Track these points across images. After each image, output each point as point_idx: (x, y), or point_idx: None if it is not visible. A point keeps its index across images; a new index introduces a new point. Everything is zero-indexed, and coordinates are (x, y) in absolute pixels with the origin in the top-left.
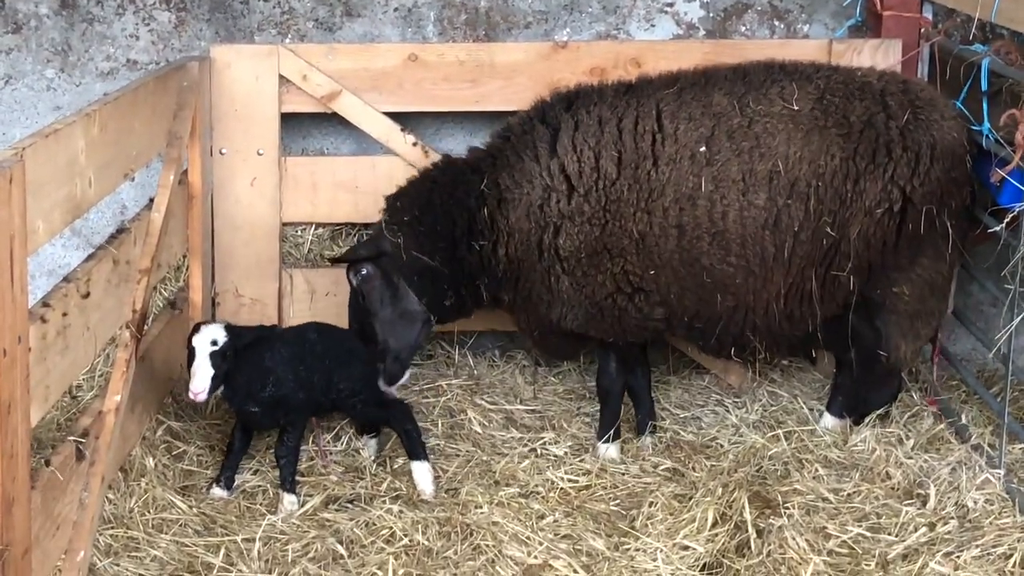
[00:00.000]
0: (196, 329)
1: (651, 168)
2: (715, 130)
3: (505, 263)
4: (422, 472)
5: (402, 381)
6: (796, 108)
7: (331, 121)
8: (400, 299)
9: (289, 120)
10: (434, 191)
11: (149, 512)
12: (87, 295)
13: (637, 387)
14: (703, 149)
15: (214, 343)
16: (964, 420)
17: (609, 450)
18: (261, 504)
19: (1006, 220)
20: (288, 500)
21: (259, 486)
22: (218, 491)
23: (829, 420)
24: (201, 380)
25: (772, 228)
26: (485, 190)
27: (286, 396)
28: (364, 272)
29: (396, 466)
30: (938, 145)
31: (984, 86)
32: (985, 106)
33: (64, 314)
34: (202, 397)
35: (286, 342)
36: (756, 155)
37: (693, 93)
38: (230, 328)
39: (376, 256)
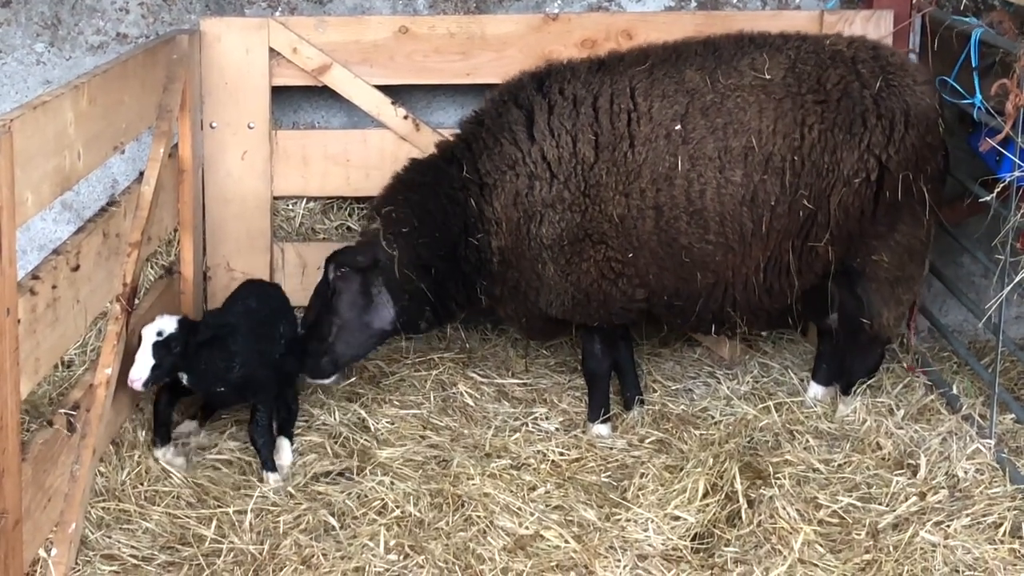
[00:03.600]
0: (149, 320)
1: (628, 149)
2: (689, 107)
3: (498, 256)
4: None
5: (325, 382)
6: (768, 78)
7: (322, 94)
8: (371, 310)
9: (280, 93)
10: (428, 196)
11: (141, 484)
12: (77, 268)
13: (621, 361)
14: (678, 127)
15: (159, 334)
16: (955, 391)
17: (600, 430)
18: (253, 476)
19: (996, 191)
20: (272, 478)
21: (251, 458)
22: (160, 452)
23: (816, 389)
24: (139, 369)
25: (749, 204)
26: (467, 177)
27: (254, 375)
28: (344, 271)
29: (384, 439)
30: (911, 111)
31: (975, 58)
32: (976, 78)
33: (54, 287)
34: (138, 385)
35: (242, 325)
36: (731, 131)
37: (665, 69)
38: (184, 322)
39: (370, 266)
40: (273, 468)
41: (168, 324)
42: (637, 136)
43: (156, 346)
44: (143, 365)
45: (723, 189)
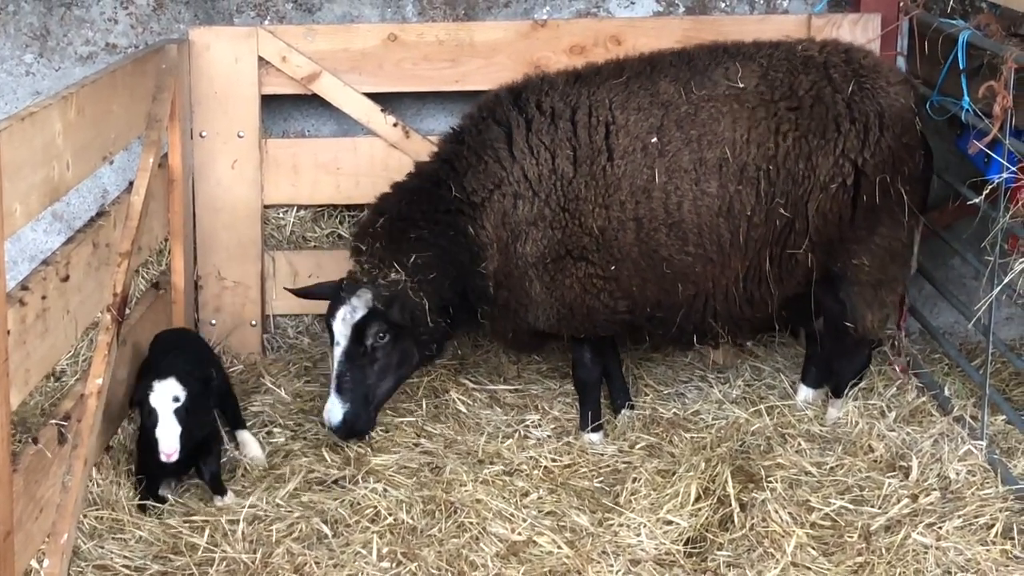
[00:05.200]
0: (148, 387)
1: (606, 162)
2: (664, 119)
3: (493, 279)
4: None
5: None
6: (741, 86)
7: (311, 103)
8: (404, 361)
9: (269, 102)
10: (439, 233)
11: (134, 494)
12: (67, 278)
13: (610, 369)
14: (654, 140)
15: (176, 399)
16: (947, 393)
17: (592, 438)
18: (244, 485)
19: (985, 192)
20: (229, 498)
21: (244, 468)
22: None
23: (806, 392)
24: (169, 441)
25: (726, 214)
26: (457, 196)
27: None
28: (385, 340)
29: (377, 446)
30: (886, 113)
31: (962, 60)
32: (964, 80)
33: (43, 297)
34: (174, 458)
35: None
36: (705, 143)
37: (640, 82)
38: (182, 378)
39: (409, 322)
40: (224, 491)
41: (176, 387)
42: (615, 149)
43: (178, 413)
44: (172, 436)
45: (699, 201)
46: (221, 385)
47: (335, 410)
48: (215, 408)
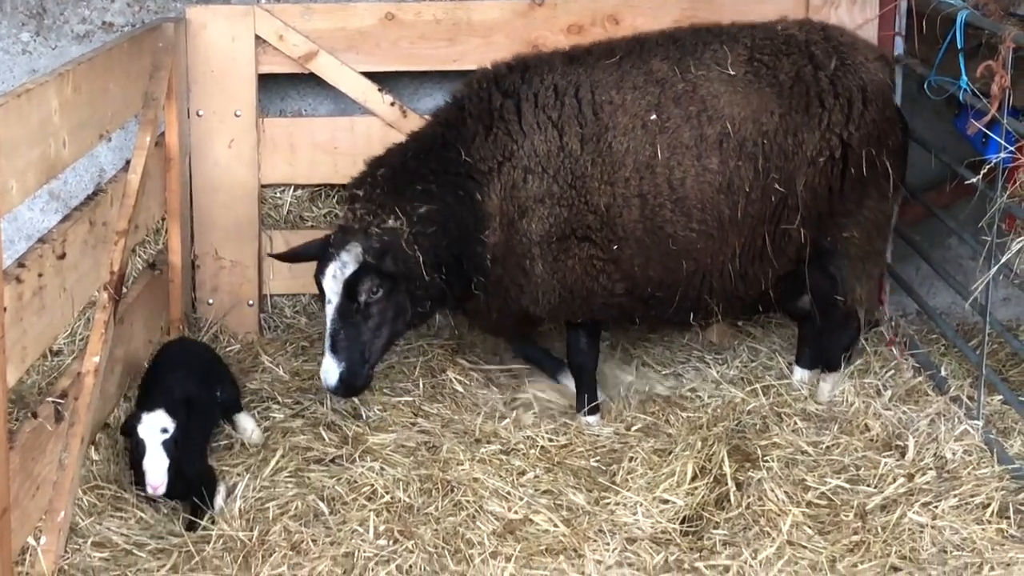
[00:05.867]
0: (136, 418)
1: (611, 140)
2: (661, 97)
3: (491, 253)
4: None
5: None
6: (730, 66)
7: (308, 82)
8: (398, 316)
9: (266, 81)
10: (446, 188)
11: (132, 473)
12: (63, 256)
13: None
14: (653, 117)
15: (164, 431)
16: (943, 373)
17: (589, 420)
18: (240, 462)
19: (983, 172)
20: (218, 505)
21: (241, 443)
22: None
23: (801, 373)
24: (156, 474)
25: (726, 190)
26: (467, 161)
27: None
28: (379, 295)
29: (374, 425)
30: (868, 87)
31: (960, 40)
32: (962, 60)
33: (40, 275)
34: (161, 491)
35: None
36: (704, 119)
37: (632, 61)
38: (171, 409)
39: (402, 275)
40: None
41: (164, 419)
42: (617, 127)
43: (166, 445)
44: (159, 469)
45: (701, 177)
46: (228, 398)
47: (331, 370)
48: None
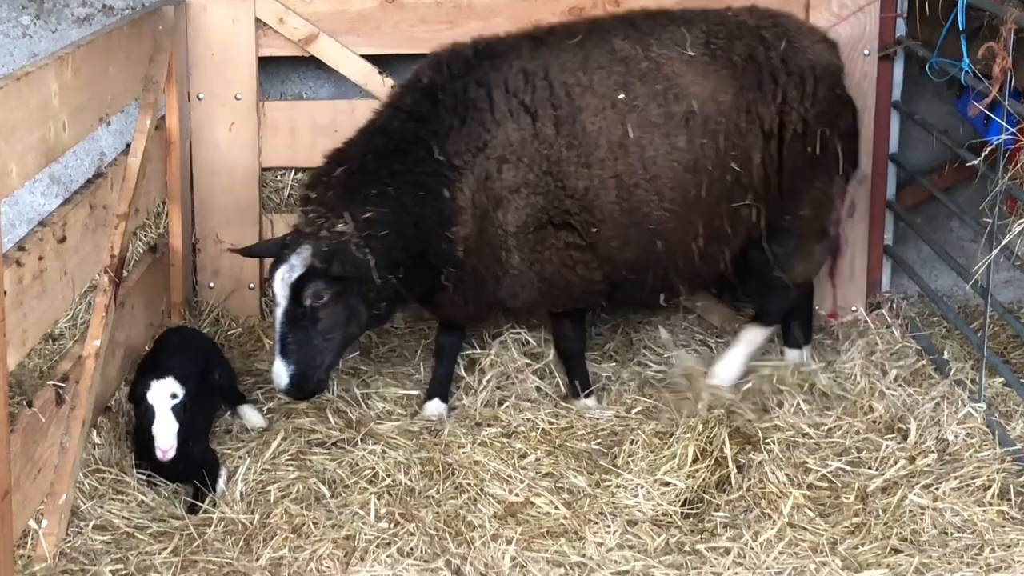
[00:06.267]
0: (145, 385)
1: (583, 121)
2: (627, 76)
3: (463, 245)
4: None
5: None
6: (692, 54)
7: (309, 65)
8: (350, 320)
9: (267, 64)
10: (404, 190)
11: (133, 456)
12: (63, 239)
13: (449, 347)
14: (621, 96)
15: (173, 396)
16: (945, 355)
17: (587, 403)
18: (242, 445)
19: (984, 154)
20: (219, 488)
21: (241, 426)
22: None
23: (791, 354)
24: (166, 438)
25: (692, 169)
26: (440, 160)
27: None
28: (325, 299)
29: (375, 408)
30: (817, 66)
31: (962, 21)
32: (963, 41)
33: (40, 258)
34: (171, 454)
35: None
36: (671, 96)
37: (594, 41)
38: (180, 376)
39: (352, 279)
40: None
41: (173, 385)
42: (588, 107)
43: (175, 409)
44: (169, 432)
45: (671, 155)
46: (225, 383)
47: (281, 373)
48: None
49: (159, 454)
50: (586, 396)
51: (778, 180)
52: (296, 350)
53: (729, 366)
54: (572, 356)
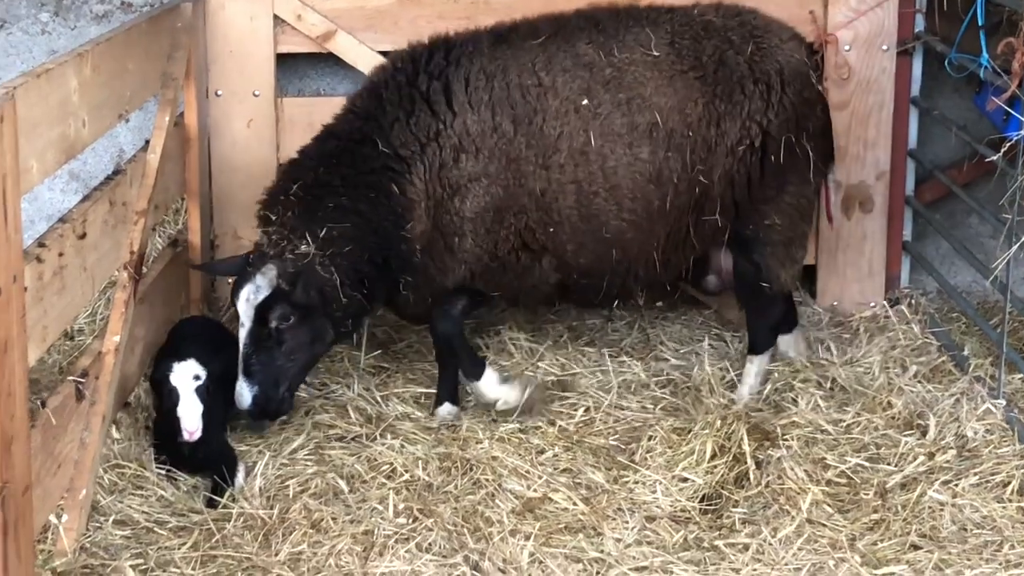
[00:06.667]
0: (167, 367)
1: (542, 123)
2: (591, 81)
3: (418, 243)
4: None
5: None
6: (656, 55)
7: (327, 61)
8: (316, 339)
9: (285, 61)
10: (358, 196)
11: (152, 451)
12: (83, 236)
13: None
14: (585, 101)
15: (197, 378)
16: (965, 352)
17: (482, 384)
18: (261, 440)
19: (1003, 150)
20: (238, 483)
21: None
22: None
23: (783, 339)
24: (192, 419)
25: (656, 181)
26: (384, 152)
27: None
28: (292, 321)
29: (393, 404)
30: (785, 70)
31: (981, 16)
32: (983, 36)
33: (60, 254)
34: (198, 435)
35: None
36: (635, 107)
37: (557, 44)
38: (201, 359)
39: (318, 302)
40: (234, 481)
41: (196, 367)
42: (548, 110)
43: (199, 391)
44: (194, 414)
45: (632, 166)
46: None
47: (244, 394)
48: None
49: (185, 435)
50: (478, 377)
51: (745, 191)
52: (260, 371)
53: (746, 390)
54: (454, 338)
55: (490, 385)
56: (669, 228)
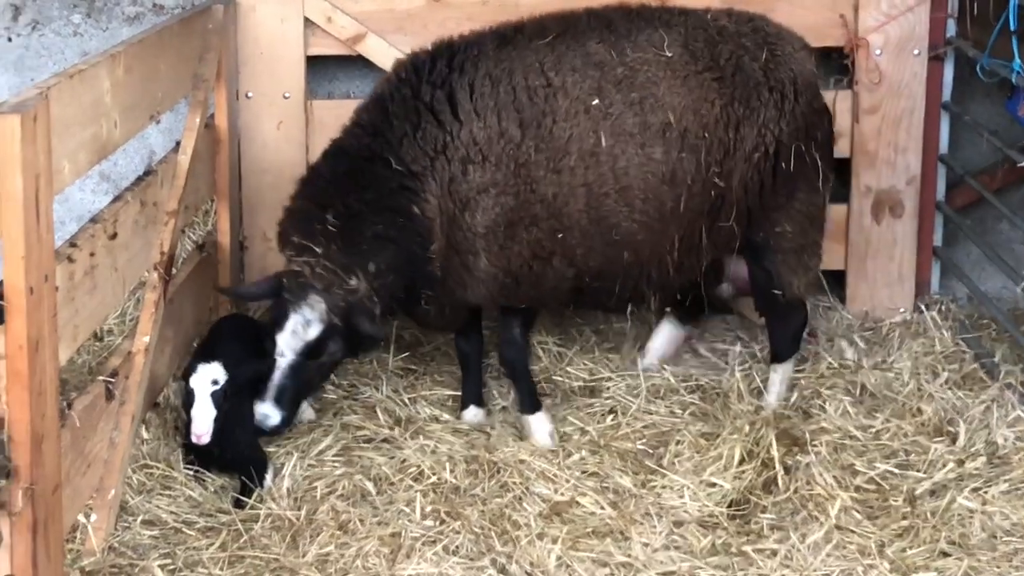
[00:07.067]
0: (192, 368)
1: (552, 126)
2: (601, 81)
3: (438, 259)
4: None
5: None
6: (669, 55)
7: (356, 64)
8: (342, 362)
9: (315, 63)
10: (389, 223)
11: (182, 451)
12: (114, 236)
13: (472, 355)
14: (596, 102)
15: (215, 382)
16: (996, 358)
17: (531, 420)
18: (289, 440)
19: None
20: (266, 484)
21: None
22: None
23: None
24: (202, 423)
25: (669, 182)
26: (398, 170)
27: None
28: (336, 354)
29: (422, 406)
30: (798, 79)
31: (1013, 21)
32: (1015, 42)
33: (91, 254)
34: (205, 439)
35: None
36: (647, 106)
37: (567, 43)
38: (229, 364)
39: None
40: (262, 482)
41: (217, 371)
42: (558, 112)
43: (215, 396)
44: (205, 418)
45: (645, 167)
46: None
47: (272, 416)
48: None
49: (193, 438)
50: (532, 411)
51: (757, 198)
52: (292, 399)
53: (774, 397)
54: (518, 364)
55: (539, 426)
56: (683, 231)
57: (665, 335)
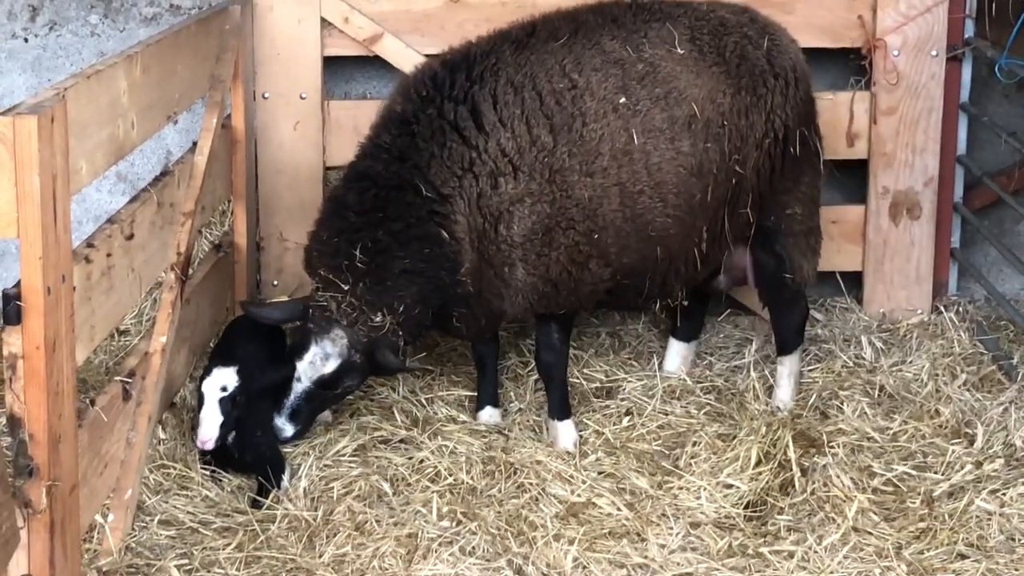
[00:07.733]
0: (208, 370)
1: (582, 128)
2: (624, 79)
3: (469, 278)
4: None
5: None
6: (681, 51)
7: (373, 64)
8: (352, 389)
9: (332, 64)
10: (417, 259)
11: (198, 451)
12: (131, 236)
13: (487, 358)
14: (623, 100)
15: (224, 388)
16: (1014, 360)
17: (559, 427)
18: (305, 441)
19: None
20: (283, 484)
21: None
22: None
23: (676, 346)
24: (208, 429)
25: (697, 174)
26: (429, 197)
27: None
28: (349, 384)
29: (440, 407)
30: (797, 67)
31: None
32: None
33: (108, 255)
34: (209, 446)
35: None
36: (672, 100)
37: (582, 43)
38: (243, 371)
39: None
40: (279, 483)
41: (229, 377)
42: (587, 113)
43: (223, 401)
44: (211, 424)
45: (675, 160)
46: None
47: (286, 430)
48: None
49: (198, 443)
50: (561, 418)
51: (768, 183)
52: (307, 417)
53: (786, 393)
54: (554, 369)
55: (566, 433)
56: (708, 221)
57: (677, 354)
